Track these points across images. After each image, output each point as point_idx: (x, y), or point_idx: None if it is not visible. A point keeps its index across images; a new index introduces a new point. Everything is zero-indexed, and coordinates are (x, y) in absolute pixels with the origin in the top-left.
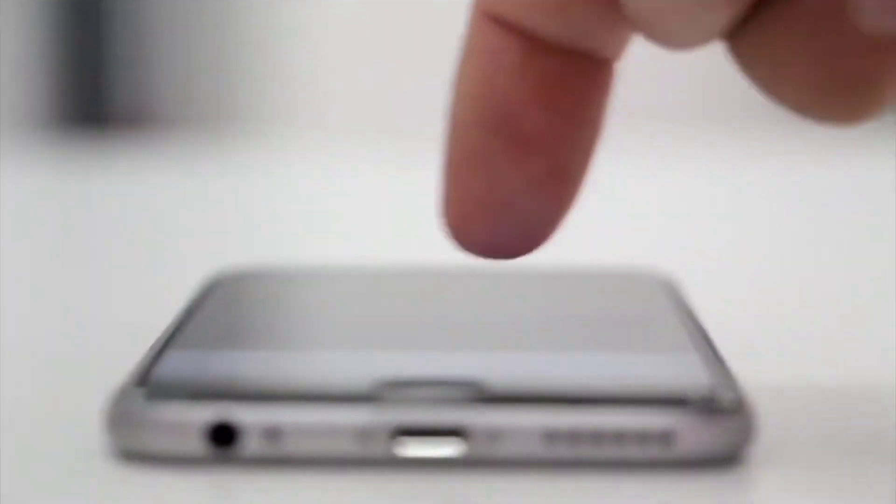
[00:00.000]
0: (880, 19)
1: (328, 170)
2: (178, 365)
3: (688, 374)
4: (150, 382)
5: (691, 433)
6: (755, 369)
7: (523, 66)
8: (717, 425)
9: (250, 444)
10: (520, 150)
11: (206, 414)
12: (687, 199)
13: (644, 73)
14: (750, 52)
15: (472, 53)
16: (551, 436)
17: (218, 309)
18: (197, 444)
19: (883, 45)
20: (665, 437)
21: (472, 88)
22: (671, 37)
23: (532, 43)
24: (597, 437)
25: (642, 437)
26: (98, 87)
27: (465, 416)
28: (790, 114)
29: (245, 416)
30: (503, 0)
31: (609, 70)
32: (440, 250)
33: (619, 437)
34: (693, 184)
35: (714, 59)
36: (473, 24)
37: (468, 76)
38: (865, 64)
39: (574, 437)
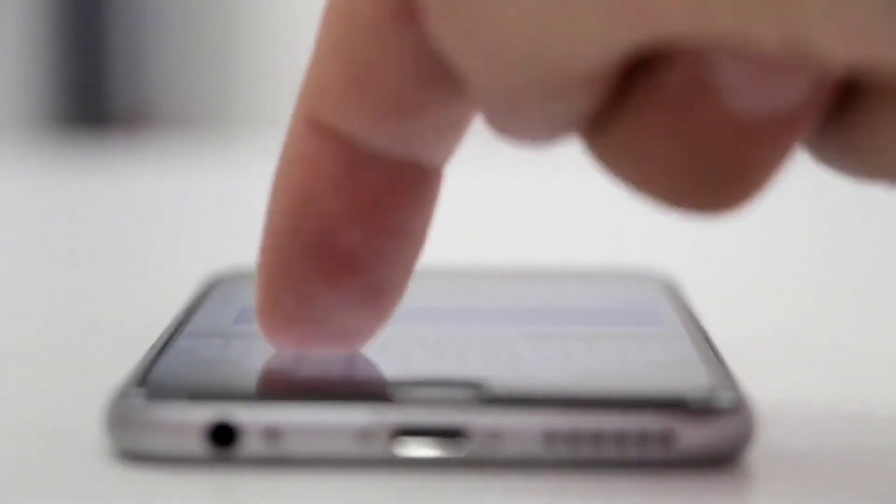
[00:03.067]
0: (748, 100)
1: None
2: (177, 365)
3: (688, 374)
4: (150, 382)
5: (691, 433)
6: (755, 369)
7: (348, 180)
8: (716, 425)
9: (250, 444)
10: (335, 269)
11: (206, 414)
12: None
13: None
14: (610, 148)
15: (291, 160)
16: (551, 436)
17: (218, 308)
18: (197, 444)
19: (752, 130)
20: (665, 438)
21: (289, 198)
22: (520, 133)
23: (355, 153)
24: (597, 437)
25: (642, 437)
26: (98, 87)
27: (466, 416)
28: (659, 207)
29: (245, 416)
30: (326, 107)
31: (436, 178)
32: (440, 250)
33: (619, 437)
34: None
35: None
36: (295, 130)
37: (285, 184)
38: (735, 150)
39: (574, 437)
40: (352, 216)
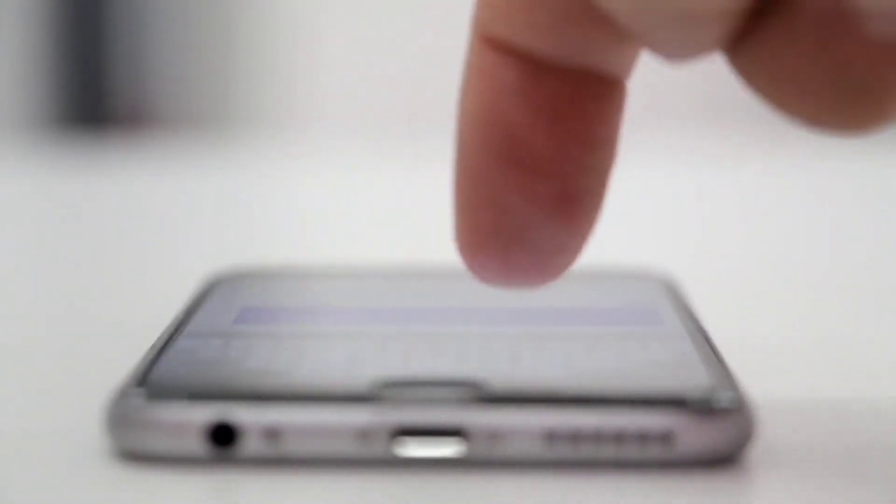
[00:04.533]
0: (888, 26)
1: (327, 169)
2: (177, 365)
3: (688, 374)
4: (150, 382)
5: (691, 433)
6: (755, 369)
7: (526, 88)
8: (716, 425)
9: (250, 444)
10: (528, 176)
11: (206, 414)
12: (687, 199)
13: (644, 73)
14: (751, 64)
15: (474, 77)
16: (551, 436)
17: (218, 308)
18: (197, 444)
19: (890, 53)
20: (665, 438)
21: (476, 113)
22: (668, 49)
23: (533, 65)
24: (597, 437)
25: (642, 437)
26: (98, 87)
27: (465, 416)
28: (796, 124)
29: (245, 416)
30: (499, 22)
31: (618, 88)
32: (440, 250)
33: (619, 437)
34: (694, 183)
35: (715, 58)
36: (473, 47)
37: (471, 101)
38: (872, 73)
39: (574, 437)
40: (537, 124)
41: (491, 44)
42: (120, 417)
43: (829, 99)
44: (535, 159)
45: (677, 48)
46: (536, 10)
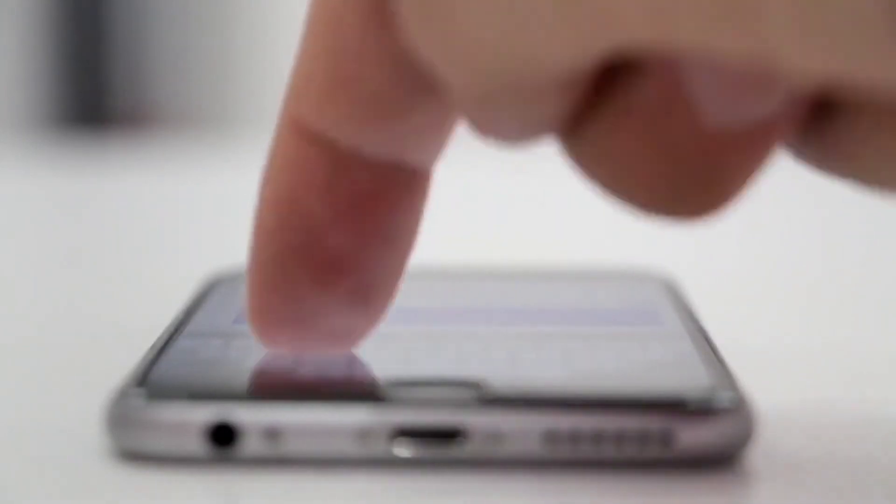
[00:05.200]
0: (722, 112)
1: None
2: (177, 365)
3: (688, 374)
4: (150, 382)
5: (691, 433)
6: (755, 369)
7: (331, 183)
8: (716, 425)
9: (250, 444)
10: (322, 271)
11: (206, 414)
12: None
13: None
14: (586, 153)
15: (279, 163)
16: (551, 436)
17: (217, 308)
18: (197, 444)
19: (727, 140)
20: (665, 438)
21: (275, 202)
22: (498, 133)
23: (342, 158)
24: (597, 437)
25: (642, 437)
26: (98, 87)
27: (465, 416)
28: (635, 213)
29: (245, 416)
30: (312, 110)
31: (424, 180)
32: (439, 250)
33: (619, 437)
34: None
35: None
36: (281, 131)
37: (273, 187)
38: (710, 159)
39: (574, 437)
40: (337, 219)
41: (300, 132)
42: (120, 417)
43: (666, 185)
44: (331, 254)
45: (510, 129)
46: (349, 102)
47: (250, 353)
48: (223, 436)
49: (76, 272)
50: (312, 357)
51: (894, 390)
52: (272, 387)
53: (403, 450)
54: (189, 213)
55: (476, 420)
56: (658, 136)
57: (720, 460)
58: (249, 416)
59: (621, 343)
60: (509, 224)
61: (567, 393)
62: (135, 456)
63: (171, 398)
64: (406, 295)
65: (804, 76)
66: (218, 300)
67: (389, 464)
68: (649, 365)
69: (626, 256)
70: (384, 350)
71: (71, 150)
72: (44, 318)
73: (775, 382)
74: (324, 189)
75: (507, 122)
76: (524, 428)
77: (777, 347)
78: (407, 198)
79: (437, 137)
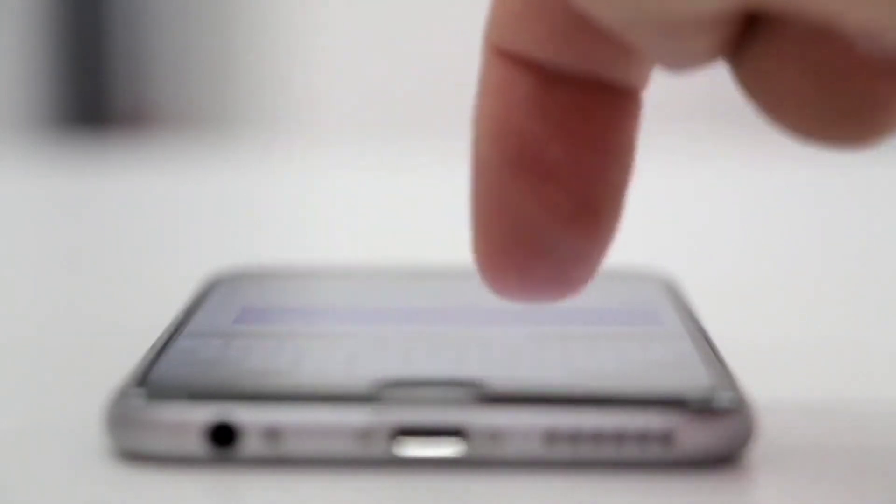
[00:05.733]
0: (879, 45)
1: (327, 169)
2: (177, 365)
3: (688, 374)
4: (150, 382)
5: (691, 433)
6: (755, 369)
7: (539, 100)
8: (716, 425)
9: (250, 444)
10: (544, 186)
11: (206, 414)
12: (687, 199)
13: None
14: (749, 75)
15: (487, 89)
16: (551, 436)
17: (218, 308)
18: (197, 444)
19: (882, 68)
20: (665, 437)
21: (490, 125)
22: (666, 59)
23: (546, 75)
24: (597, 437)
25: (642, 437)
26: (98, 87)
27: (465, 416)
28: (794, 138)
29: (245, 416)
30: (509, 35)
31: (633, 99)
32: (440, 250)
33: (620, 437)
34: (694, 183)
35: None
36: (485, 58)
37: (485, 113)
38: (868, 88)
39: (574, 437)
40: (552, 135)
41: (503, 56)
42: (120, 417)
43: (825, 114)
44: (551, 169)
45: (673, 58)
46: (543, 23)
47: (250, 353)
48: (223, 436)
49: (76, 272)
50: (313, 357)
51: (894, 389)
52: (272, 387)
53: (403, 450)
54: (189, 213)
55: (476, 420)
56: (813, 63)
57: (720, 460)
58: (249, 416)
59: (621, 343)
60: None
61: (567, 393)
62: (135, 456)
63: (171, 398)
64: (406, 295)
65: None
66: (218, 300)
67: (389, 464)
68: (649, 365)
69: (626, 256)
70: (384, 350)
71: (71, 150)
72: (44, 318)
73: (775, 382)
74: (533, 106)
75: (667, 54)
76: (524, 428)
77: (777, 347)
78: (617, 115)
79: (631, 59)
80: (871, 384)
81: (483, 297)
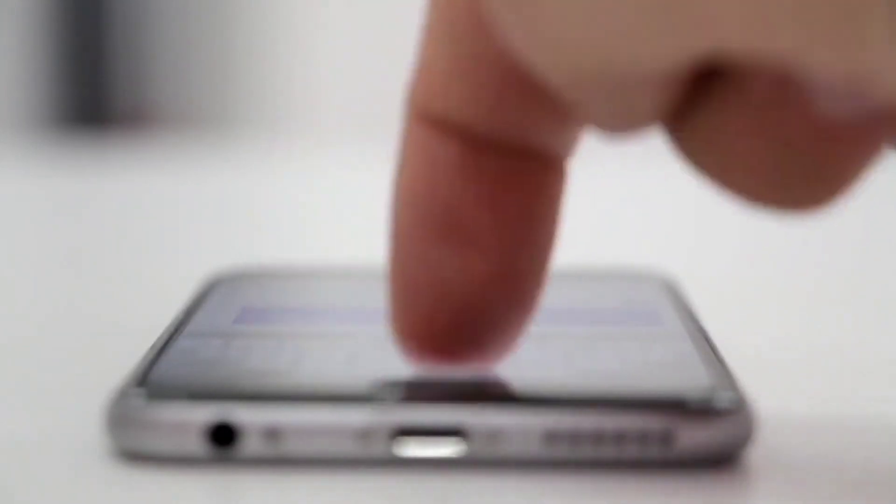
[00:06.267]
0: (837, 105)
1: (327, 170)
2: (177, 365)
3: (688, 374)
4: (150, 382)
5: (691, 433)
6: (755, 369)
7: (464, 166)
8: (716, 425)
9: (250, 444)
10: (467, 253)
11: (206, 414)
12: (688, 199)
13: None
14: (693, 141)
15: (409, 155)
16: (551, 436)
17: (218, 308)
18: (197, 444)
19: (839, 132)
20: (665, 438)
21: (412, 192)
22: (606, 122)
23: (471, 142)
24: (597, 437)
25: (642, 437)
26: (98, 87)
27: (465, 416)
28: (742, 204)
29: (245, 416)
30: (436, 99)
31: (559, 167)
32: None
33: (619, 437)
34: (694, 183)
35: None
36: (408, 125)
37: (407, 178)
38: (821, 152)
39: (574, 437)
40: (476, 201)
41: (426, 121)
42: (120, 417)
43: (777, 178)
44: (475, 237)
45: (613, 120)
46: (472, 84)
47: (250, 353)
48: (223, 436)
49: (76, 272)
50: (313, 357)
51: (894, 390)
52: (272, 387)
53: (403, 450)
54: (189, 213)
55: (476, 420)
56: (767, 128)
57: (720, 460)
58: (249, 416)
59: (621, 343)
60: None
61: (567, 393)
62: (135, 456)
63: (171, 398)
64: None
65: None
66: (218, 300)
67: (389, 464)
68: (649, 365)
69: (626, 256)
70: (384, 350)
71: (71, 150)
72: (44, 318)
73: (775, 382)
74: (457, 173)
75: (608, 116)
76: (524, 428)
77: (777, 347)
78: (543, 183)
79: (563, 125)
80: (871, 384)
81: None
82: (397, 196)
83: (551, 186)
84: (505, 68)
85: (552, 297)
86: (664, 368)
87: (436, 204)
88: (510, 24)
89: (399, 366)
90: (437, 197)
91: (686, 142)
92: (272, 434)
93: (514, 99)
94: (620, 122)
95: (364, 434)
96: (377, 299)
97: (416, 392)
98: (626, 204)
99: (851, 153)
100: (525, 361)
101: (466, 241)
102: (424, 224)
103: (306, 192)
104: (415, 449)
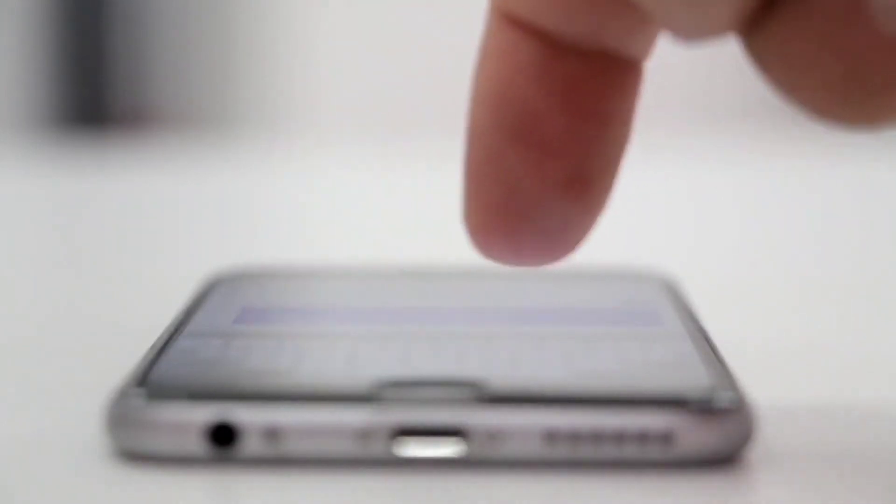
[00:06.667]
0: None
1: (327, 169)
2: (177, 365)
3: (688, 374)
4: (150, 382)
5: (691, 433)
6: (755, 369)
7: (542, 67)
8: (716, 425)
9: (250, 444)
10: (539, 155)
11: (206, 414)
12: (688, 199)
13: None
14: (766, 50)
15: (489, 55)
16: (551, 436)
17: (218, 308)
18: (197, 444)
19: None
20: (665, 438)
21: (490, 91)
22: (683, 28)
23: (550, 44)
24: (597, 437)
25: (642, 437)
26: (98, 87)
27: (465, 416)
28: (806, 115)
29: (245, 416)
30: (518, 0)
31: (635, 71)
32: (439, 250)
33: (620, 437)
34: (694, 183)
35: (716, 57)
36: (490, 24)
37: (485, 79)
38: (883, 67)
39: (574, 437)
40: (550, 103)
41: (507, 22)
42: (120, 417)
43: (840, 91)
44: (547, 138)
45: (691, 26)
46: None
47: (250, 353)
48: (223, 436)
49: (76, 272)
50: (313, 357)
51: (894, 389)
52: (272, 387)
53: (403, 450)
54: (189, 213)
55: (476, 420)
56: (835, 43)
57: (720, 460)
58: (249, 416)
59: (621, 343)
60: None
61: (567, 393)
62: (135, 456)
63: (171, 398)
64: (406, 295)
65: None
66: (218, 300)
67: (389, 464)
68: (649, 365)
69: (626, 256)
70: (384, 350)
71: (71, 150)
72: (44, 318)
73: (775, 382)
74: (535, 74)
75: (685, 22)
76: (524, 428)
77: (777, 347)
78: (618, 86)
79: (639, 29)
80: (871, 384)
81: (483, 297)
82: (475, 95)
83: (626, 89)
84: None
85: (552, 296)
86: (664, 368)
87: (512, 104)
88: None
89: (399, 366)
90: (513, 98)
91: (759, 52)
92: (272, 434)
93: (591, 4)
94: (697, 29)
95: (364, 434)
96: (377, 299)
97: (416, 392)
98: (626, 204)
99: None
100: (525, 361)
101: (540, 142)
102: (499, 123)
103: (306, 192)
104: (415, 449)
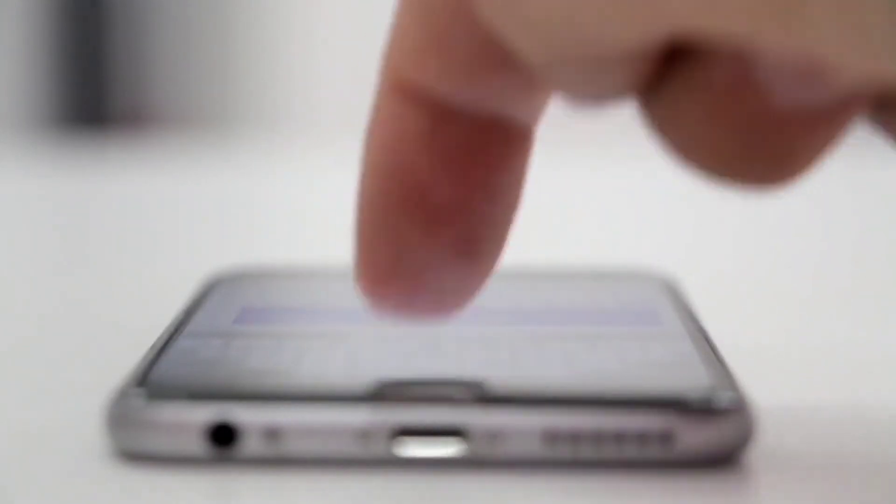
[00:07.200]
0: (791, 95)
1: (327, 169)
2: (177, 365)
3: (688, 374)
4: (150, 382)
5: (691, 433)
6: (755, 369)
7: (429, 137)
8: (716, 425)
9: (250, 444)
10: (428, 222)
11: (206, 414)
12: (688, 199)
13: None
14: (659, 116)
15: (379, 124)
16: (551, 436)
17: (218, 308)
18: (197, 444)
19: (797, 118)
20: (665, 438)
21: (378, 160)
22: (577, 94)
23: (441, 112)
24: (597, 437)
25: (642, 437)
26: (98, 87)
27: (465, 416)
28: (703, 179)
29: (245, 416)
30: (409, 66)
31: (524, 137)
32: None
33: (619, 437)
34: (694, 183)
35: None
36: (379, 93)
37: (374, 147)
38: (780, 137)
39: (574, 437)
40: (440, 170)
41: (397, 91)
42: (120, 417)
43: (731, 158)
44: (435, 207)
45: (585, 92)
46: (447, 56)
47: (250, 353)
48: (223, 436)
49: (76, 272)
50: (313, 357)
51: (894, 390)
52: (272, 387)
53: (403, 450)
54: (189, 213)
55: (476, 420)
56: (729, 109)
57: (720, 460)
58: (249, 416)
59: (621, 343)
60: None
61: (567, 393)
62: (135, 456)
63: (171, 398)
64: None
65: (855, 75)
66: (218, 300)
67: (389, 464)
68: (649, 365)
69: (626, 256)
70: (384, 350)
71: (71, 150)
72: (44, 318)
73: (775, 382)
74: (422, 144)
75: (579, 88)
76: (524, 428)
77: (777, 347)
78: (508, 153)
79: (533, 95)
80: (871, 384)
81: (483, 297)
82: (365, 163)
83: (516, 156)
84: (478, 41)
85: (552, 296)
86: (664, 368)
87: (401, 174)
88: (485, 1)
89: (399, 366)
90: (402, 167)
91: (654, 117)
92: (272, 434)
93: (487, 70)
94: (590, 94)
95: (364, 434)
96: None
97: (416, 392)
98: (626, 203)
99: (813, 135)
100: (525, 361)
101: (427, 210)
102: (389, 192)
103: (306, 192)
104: (415, 449)
